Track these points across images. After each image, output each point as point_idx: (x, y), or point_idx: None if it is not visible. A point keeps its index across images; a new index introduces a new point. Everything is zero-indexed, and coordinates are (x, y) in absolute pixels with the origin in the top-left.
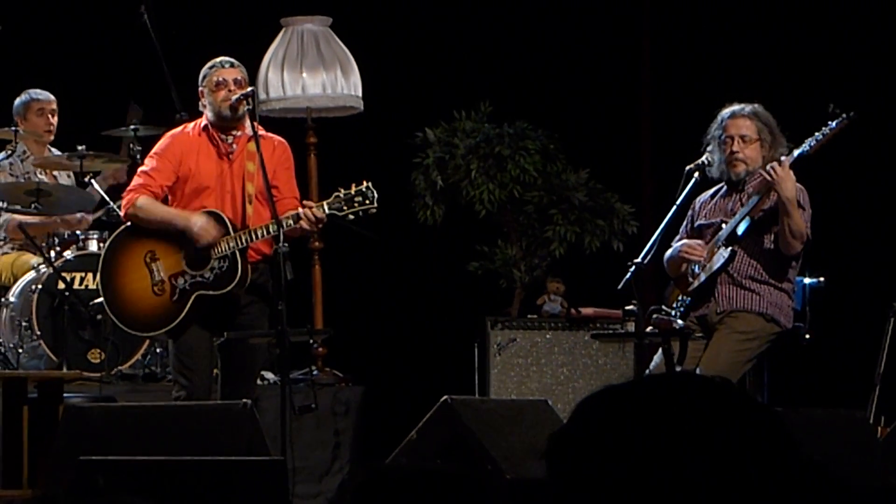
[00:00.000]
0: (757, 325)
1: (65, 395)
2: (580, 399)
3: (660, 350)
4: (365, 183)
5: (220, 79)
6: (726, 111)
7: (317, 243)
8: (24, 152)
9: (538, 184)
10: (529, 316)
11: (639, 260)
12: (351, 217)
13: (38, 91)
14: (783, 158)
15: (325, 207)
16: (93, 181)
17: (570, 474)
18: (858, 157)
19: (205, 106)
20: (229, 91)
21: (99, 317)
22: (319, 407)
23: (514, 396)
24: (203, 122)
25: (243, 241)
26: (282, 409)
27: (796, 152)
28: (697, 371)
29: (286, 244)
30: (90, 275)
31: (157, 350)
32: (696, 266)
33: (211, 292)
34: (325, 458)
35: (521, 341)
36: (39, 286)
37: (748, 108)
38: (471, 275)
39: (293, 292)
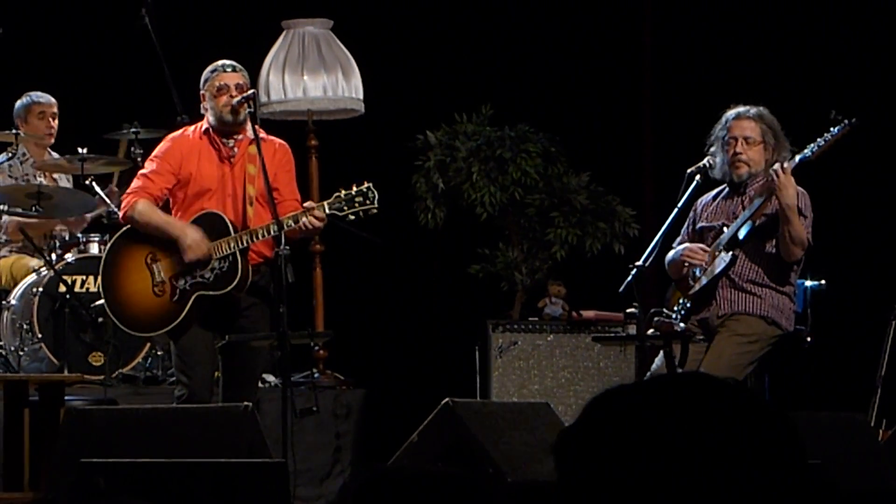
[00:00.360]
0: (758, 328)
1: (66, 397)
2: (584, 400)
3: (661, 353)
4: (366, 183)
5: (222, 84)
6: (731, 112)
7: (318, 246)
8: (25, 155)
9: (539, 186)
10: (531, 319)
11: (640, 263)
12: (351, 217)
13: (39, 94)
14: (785, 164)
15: (326, 208)
16: (94, 184)
17: (579, 472)
18: (859, 160)
19: (206, 109)
20: (231, 96)
21: (100, 319)
22: (320, 409)
23: (515, 399)
24: (204, 125)
25: (244, 241)
26: (283, 411)
27: (798, 157)
28: None
29: (287, 247)
30: (91, 278)
31: (159, 353)
32: (698, 269)
33: (211, 293)
34: (326, 460)
35: (522, 344)
36: (40, 289)
37: (753, 110)
38: (472, 277)
39: (294, 295)
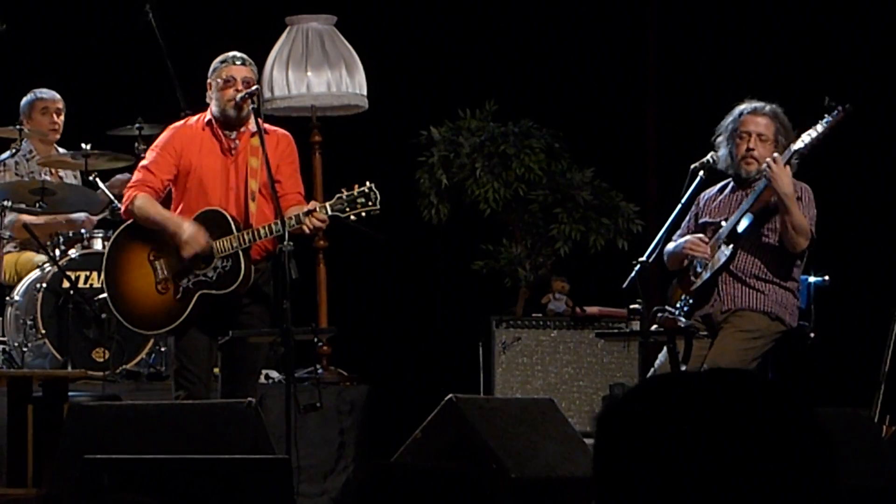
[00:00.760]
0: (762, 323)
1: (70, 393)
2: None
3: (664, 349)
4: (368, 184)
5: (230, 76)
6: (746, 106)
7: (321, 242)
8: (31, 151)
9: (543, 182)
10: (534, 315)
11: (644, 259)
12: (353, 218)
13: (44, 90)
14: (776, 155)
15: (328, 209)
16: (98, 180)
17: (619, 449)
18: (863, 154)
19: (211, 99)
20: (236, 90)
21: (104, 315)
22: (324, 405)
23: (518, 395)
24: (207, 116)
25: (246, 240)
26: (286, 407)
27: (794, 147)
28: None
29: (291, 242)
30: (95, 273)
31: (162, 349)
32: (699, 265)
33: (214, 292)
34: (330, 456)
35: (525, 340)
36: (44, 285)
37: (768, 107)
38: (475, 273)
39: (298, 291)
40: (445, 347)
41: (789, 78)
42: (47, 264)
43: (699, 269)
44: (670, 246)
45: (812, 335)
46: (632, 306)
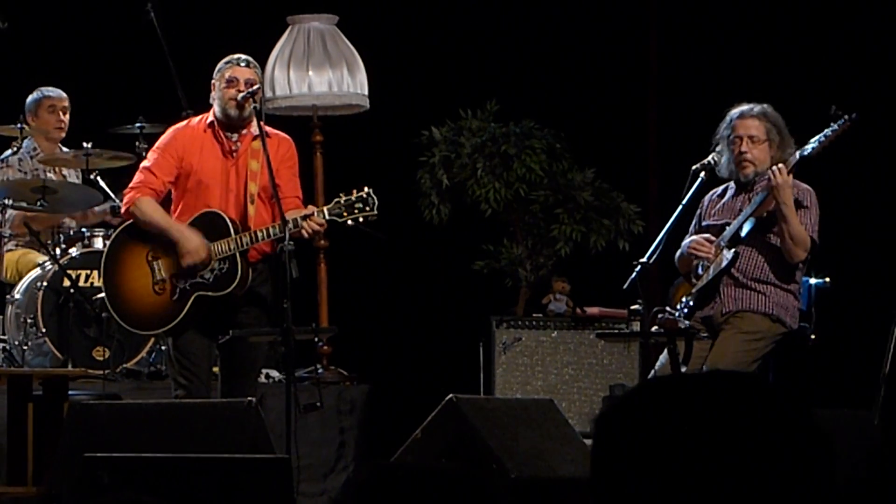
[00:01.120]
0: (763, 325)
1: (70, 392)
2: (587, 396)
3: (665, 350)
4: (365, 189)
5: (233, 76)
6: (735, 111)
7: (322, 241)
8: (35, 149)
9: (544, 183)
10: (535, 315)
11: (644, 260)
12: (350, 223)
13: (50, 89)
14: (780, 166)
15: (326, 213)
16: (99, 178)
17: (617, 451)
18: (863, 157)
19: (214, 100)
20: (239, 91)
21: (104, 314)
22: (324, 405)
23: (518, 395)
24: (209, 117)
25: (244, 243)
26: (287, 407)
27: (798, 154)
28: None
29: (291, 242)
30: (95, 272)
31: (163, 347)
32: (701, 266)
33: (211, 293)
34: (330, 456)
35: (526, 340)
36: (45, 283)
37: (757, 108)
38: (476, 274)
39: (298, 290)
40: (446, 347)
41: (790, 79)
42: (48, 263)
43: (700, 272)
44: (679, 251)
45: (813, 337)
46: (632, 307)
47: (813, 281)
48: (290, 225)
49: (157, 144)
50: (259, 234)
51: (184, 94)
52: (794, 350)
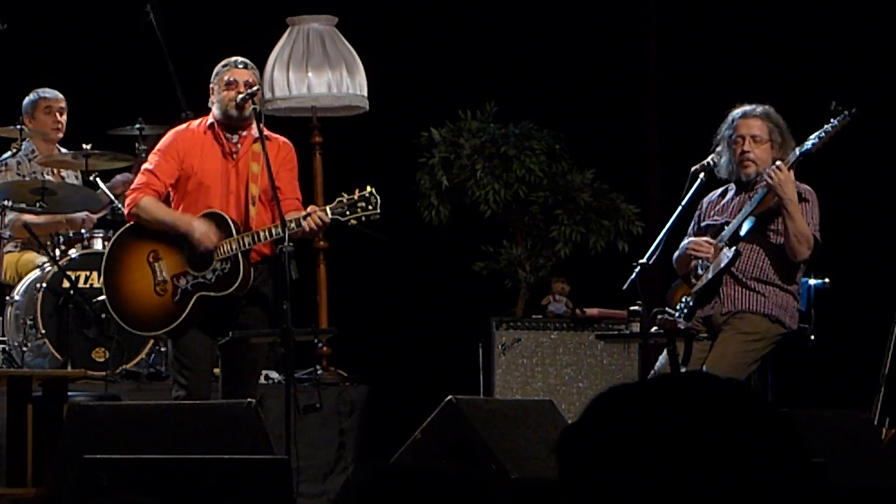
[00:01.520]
0: (762, 326)
1: (69, 393)
2: (587, 397)
3: (664, 351)
4: (368, 188)
5: (232, 79)
6: (737, 111)
7: (322, 243)
8: (33, 151)
9: (543, 184)
10: (534, 316)
11: (644, 260)
12: (353, 222)
13: (47, 90)
14: (779, 163)
15: (328, 212)
16: (98, 180)
17: (581, 470)
18: (863, 157)
19: (213, 103)
20: (238, 92)
21: (103, 315)
22: (324, 406)
23: (518, 396)
24: (209, 119)
25: (246, 243)
26: (286, 408)
27: (798, 150)
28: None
29: (291, 243)
30: (95, 273)
31: (162, 349)
32: (700, 267)
33: (212, 294)
34: (330, 457)
35: (525, 341)
36: (44, 285)
37: (759, 108)
38: (476, 275)
39: (298, 291)
40: (445, 348)
41: (791, 80)
42: (47, 264)
43: (700, 272)
44: (677, 252)
45: (812, 338)
46: (632, 308)
47: (812, 282)
48: (292, 225)
49: (157, 147)
50: (261, 235)
51: (183, 96)
52: (793, 351)
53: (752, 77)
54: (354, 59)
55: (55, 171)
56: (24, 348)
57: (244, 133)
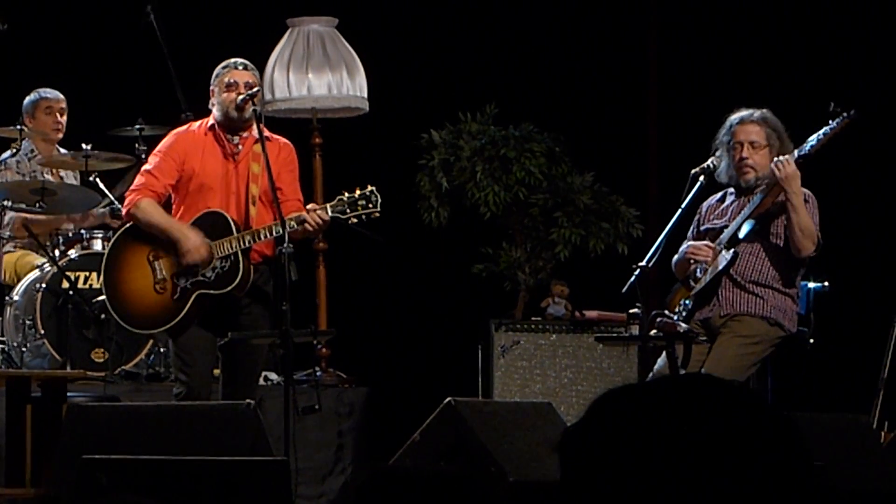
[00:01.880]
0: (761, 329)
1: (68, 394)
2: (586, 400)
3: (664, 353)
4: (369, 187)
5: (232, 80)
6: (735, 116)
7: (321, 244)
8: (32, 151)
9: (543, 186)
10: (533, 318)
11: (643, 263)
12: (354, 221)
13: (47, 90)
14: (785, 157)
15: (329, 210)
16: (98, 180)
17: (582, 472)
18: (863, 160)
19: (214, 105)
20: (239, 94)
21: (103, 316)
22: (323, 408)
23: (517, 399)
24: (210, 121)
25: (246, 241)
26: (285, 409)
27: (797, 152)
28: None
29: (291, 245)
30: (94, 274)
31: (161, 350)
32: (699, 269)
33: (212, 292)
34: (329, 458)
35: (524, 344)
36: (43, 285)
37: (757, 113)
38: (475, 277)
39: (297, 293)
40: (444, 350)
41: (791, 82)
42: (47, 264)
43: (699, 275)
44: (676, 256)
45: (811, 341)
46: (631, 311)
47: (811, 285)
48: (293, 223)
49: (158, 148)
50: (261, 233)
51: (183, 97)
52: (792, 354)
53: (752, 79)
54: (354, 61)
55: (53, 171)
56: (24, 349)
57: (245, 134)
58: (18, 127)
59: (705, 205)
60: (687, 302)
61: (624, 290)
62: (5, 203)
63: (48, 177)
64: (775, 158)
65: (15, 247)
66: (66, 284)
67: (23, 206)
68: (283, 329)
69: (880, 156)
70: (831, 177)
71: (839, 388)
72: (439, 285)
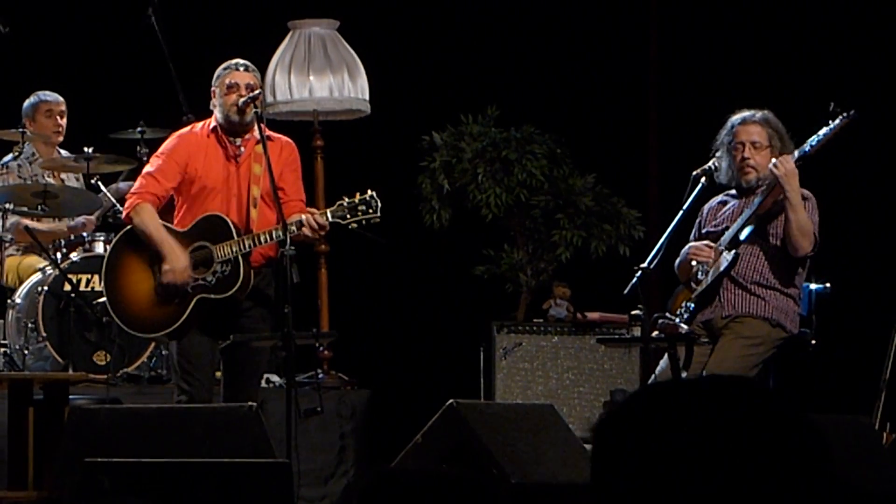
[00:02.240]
0: (762, 330)
1: (70, 396)
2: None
3: (665, 355)
4: (369, 192)
5: (233, 82)
6: (736, 117)
7: (323, 246)
8: (33, 154)
9: (545, 188)
10: (535, 320)
11: (645, 265)
12: (354, 225)
13: (47, 92)
14: (783, 156)
15: (329, 215)
16: (100, 183)
17: (615, 458)
18: (864, 161)
19: (215, 106)
20: (239, 95)
21: (105, 319)
22: (325, 410)
23: (519, 400)
24: (212, 122)
25: (246, 245)
26: (287, 411)
27: (797, 152)
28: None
29: (293, 247)
30: (96, 277)
31: (163, 352)
32: (701, 271)
33: (213, 296)
34: (331, 461)
35: (526, 345)
36: (45, 288)
37: (759, 114)
38: (477, 279)
39: (299, 295)
40: (446, 352)
41: (791, 83)
42: (49, 267)
43: (700, 276)
44: (678, 258)
45: (813, 342)
46: (633, 312)
47: (813, 286)
48: (293, 227)
49: (160, 150)
50: (261, 237)
51: (185, 99)
52: (794, 355)
53: (752, 80)
54: (356, 63)
55: (55, 173)
56: (26, 351)
57: (247, 136)
58: (20, 130)
59: (706, 207)
60: (689, 304)
61: (625, 291)
62: (7, 206)
63: (50, 180)
64: (773, 160)
65: (17, 250)
66: (68, 287)
67: (24, 209)
68: (284, 331)
69: (881, 156)
70: (832, 178)
71: (841, 390)
72: (441, 287)
